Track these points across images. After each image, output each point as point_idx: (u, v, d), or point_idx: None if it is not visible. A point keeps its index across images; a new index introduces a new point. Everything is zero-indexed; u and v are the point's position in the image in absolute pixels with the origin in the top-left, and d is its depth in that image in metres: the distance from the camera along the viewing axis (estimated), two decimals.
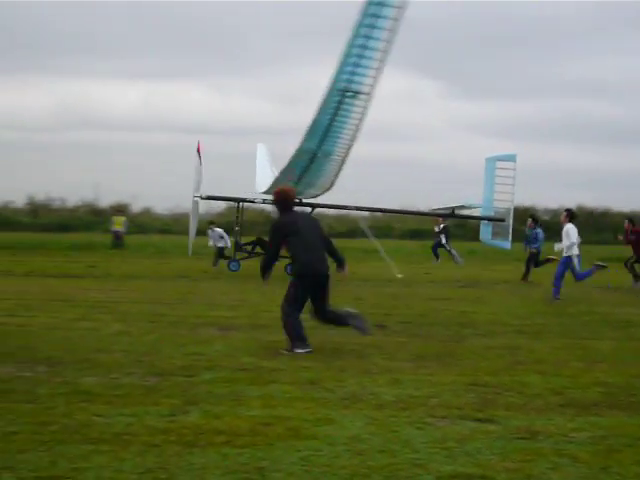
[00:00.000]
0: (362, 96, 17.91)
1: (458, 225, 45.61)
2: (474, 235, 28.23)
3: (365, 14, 15.66)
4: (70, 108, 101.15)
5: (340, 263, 10.32)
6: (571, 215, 17.96)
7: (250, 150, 33.72)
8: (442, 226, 32.20)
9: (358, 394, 7.48)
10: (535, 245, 23.85)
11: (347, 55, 16.64)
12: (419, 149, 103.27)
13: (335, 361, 9.12)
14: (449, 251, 32.20)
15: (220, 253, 27.31)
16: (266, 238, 20.17)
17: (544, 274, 21.88)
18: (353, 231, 44.36)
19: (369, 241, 23.94)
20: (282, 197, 10.24)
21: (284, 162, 21.15)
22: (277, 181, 21.67)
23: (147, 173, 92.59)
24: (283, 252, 10.45)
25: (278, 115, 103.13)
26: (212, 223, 28.82)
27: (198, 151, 25.10)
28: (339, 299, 11.18)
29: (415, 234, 55.26)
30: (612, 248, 36.23)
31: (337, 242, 10.85)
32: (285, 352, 9.62)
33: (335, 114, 18.62)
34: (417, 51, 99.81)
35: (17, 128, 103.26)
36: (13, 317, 12.32)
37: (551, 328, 12.65)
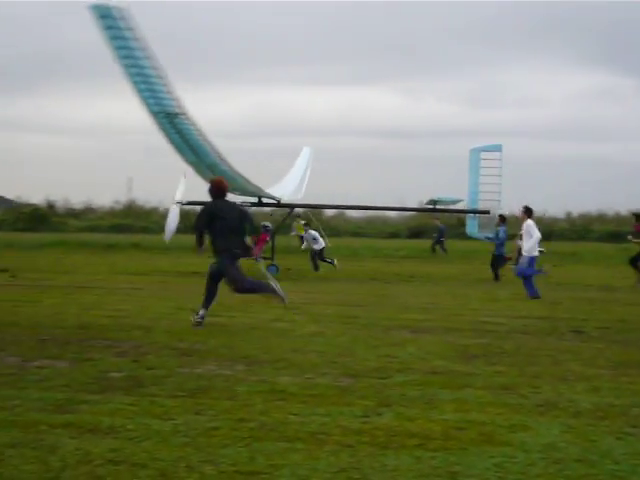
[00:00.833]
0: (181, 116, 16.71)
1: None
2: None
3: (111, 38, 13.51)
4: (263, 116, 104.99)
5: (250, 234, 12.36)
6: (528, 211, 17.66)
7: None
8: None
9: (554, 401, 7.28)
10: (496, 241, 23.68)
11: (134, 81, 14.97)
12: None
13: (529, 367, 8.92)
14: None
15: (319, 256, 25.93)
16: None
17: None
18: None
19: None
20: (214, 186, 12.31)
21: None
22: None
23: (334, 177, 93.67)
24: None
25: (467, 117, 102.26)
26: (307, 225, 27.46)
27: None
28: (536, 302, 10.86)
29: (613, 236, 52.80)
30: None
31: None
32: (282, 303, 12.21)
33: (179, 132, 17.79)
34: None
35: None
36: (215, 317, 12.82)
37: None
